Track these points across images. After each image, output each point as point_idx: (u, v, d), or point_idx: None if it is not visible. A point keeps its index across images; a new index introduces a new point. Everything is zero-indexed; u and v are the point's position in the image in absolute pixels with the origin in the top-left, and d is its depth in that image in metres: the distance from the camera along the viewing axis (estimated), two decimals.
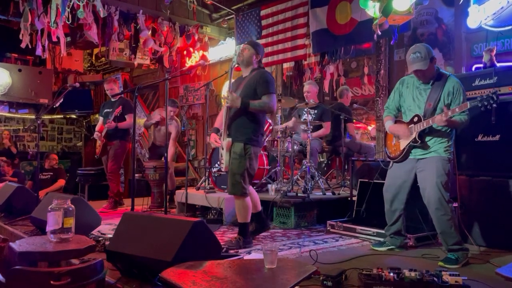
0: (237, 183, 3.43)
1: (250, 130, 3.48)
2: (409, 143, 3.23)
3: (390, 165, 3.46)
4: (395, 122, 3.41)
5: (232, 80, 3.61)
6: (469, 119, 3.11)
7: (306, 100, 5.28)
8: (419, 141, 3.17)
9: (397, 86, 3.44)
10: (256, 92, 3.47)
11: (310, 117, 5.10)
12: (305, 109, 5.17)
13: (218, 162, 5.09)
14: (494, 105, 2.85)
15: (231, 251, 3.27)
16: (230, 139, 3.49)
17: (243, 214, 3.53)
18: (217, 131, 3.69)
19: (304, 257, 3.17)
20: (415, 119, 3.20)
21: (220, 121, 3.68)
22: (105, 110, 5.87)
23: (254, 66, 3.62)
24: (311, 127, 4.91)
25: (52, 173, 7.47)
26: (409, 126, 3.24)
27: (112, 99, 5.85)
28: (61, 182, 7.46)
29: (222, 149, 3.57)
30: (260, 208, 3.75)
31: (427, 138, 3.19)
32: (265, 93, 3.45)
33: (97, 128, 5.92)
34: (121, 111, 5.61)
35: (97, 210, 3.82)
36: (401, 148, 3.31)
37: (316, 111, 5.48)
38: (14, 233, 3.89)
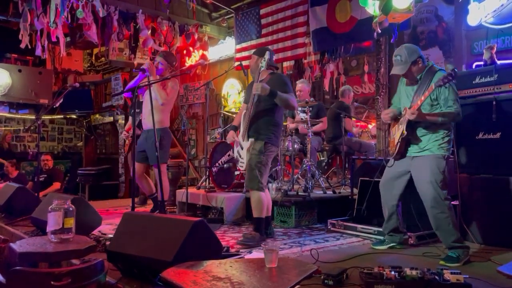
0: (255, 177, 3.56)
1: (270, 131, 3.65)
2: (399, 136, 3.24)
3: (392, 162, 3.45)
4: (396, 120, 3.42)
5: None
6: (460, 114, 3.02)
7: (298, 99, 5.28)
8: (406, 133, 3.16)
9: (399, 84, 3.48)
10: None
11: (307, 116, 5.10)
12: (300, 108, 5.18)
13: (220, 161, 5.12)
14: (454, 81, 2.86)
15: (244, 249, 3.29)
16: (252, 139, 3.61)
17: (258, 209, 3.59)
18: (235, 128, 3.84)
19: (305, 256, 3.16)
20: (403, 112, 3.21)
21: (239, 120, 3.83)
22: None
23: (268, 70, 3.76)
24: (310, 125, 4.90)
25: (46, 175, 7.38)
26: (400, 120, 3.27)
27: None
28: (55, 186, 7.38)
29: (242, 148, 3.68)
30: (269, 213, 3.79)
31: (420, 133, 3.16)
32: (287, 93, 3.62)
33: (126, 127, 5.98)
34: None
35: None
36: (395, 143, 3.31)
37: (311, 109, 5.48)
38: (14, 233, 3.89)
